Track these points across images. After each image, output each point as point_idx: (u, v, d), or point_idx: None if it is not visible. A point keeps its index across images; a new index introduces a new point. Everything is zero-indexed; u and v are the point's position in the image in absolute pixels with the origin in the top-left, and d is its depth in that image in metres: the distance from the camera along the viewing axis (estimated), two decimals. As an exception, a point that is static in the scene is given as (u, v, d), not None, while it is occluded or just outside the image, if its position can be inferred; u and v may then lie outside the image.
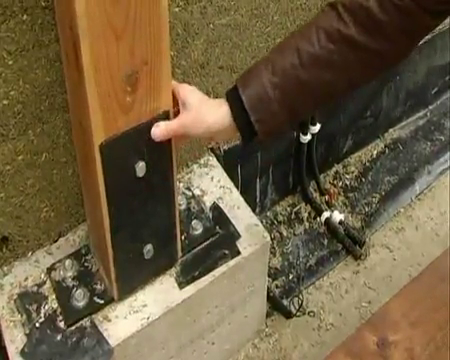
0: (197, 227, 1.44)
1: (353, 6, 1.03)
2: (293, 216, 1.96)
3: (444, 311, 1.46)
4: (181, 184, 1.52)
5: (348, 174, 2.07)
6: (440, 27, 1.61)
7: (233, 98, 1.07)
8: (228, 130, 1.09)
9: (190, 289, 1.38)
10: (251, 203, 1.70)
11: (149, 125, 1.11)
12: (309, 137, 1.83)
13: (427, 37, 1.97)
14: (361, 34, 1.02)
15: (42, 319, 1.29)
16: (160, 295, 1.36)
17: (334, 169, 2.08)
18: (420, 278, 1.58)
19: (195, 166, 1.57)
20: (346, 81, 1.08)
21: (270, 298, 1.75)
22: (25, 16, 1.07)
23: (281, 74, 1.05)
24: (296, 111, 1.09)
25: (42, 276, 1.35)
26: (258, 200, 1.88)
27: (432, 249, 1.89)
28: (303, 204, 1.98)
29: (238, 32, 1.43)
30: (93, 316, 1.31)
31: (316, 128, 1.82)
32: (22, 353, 1.25)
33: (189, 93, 1.11)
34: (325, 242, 1.92)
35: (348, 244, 1.91)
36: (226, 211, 1.50)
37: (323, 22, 1.05)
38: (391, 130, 2.20)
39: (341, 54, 1.04)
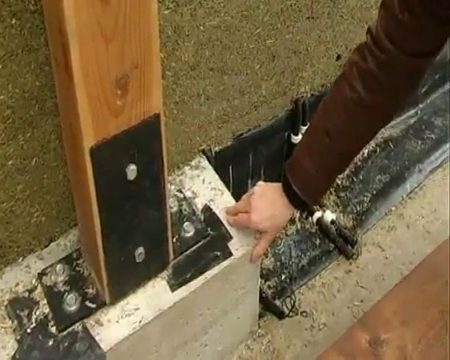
0: (189, 229, 1.44)
1: (359, 72, 1.19)
2: (285, 216, 1.96)
3: (435, 309, 1.46)
4: (172, 186, 1.51)
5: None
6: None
7: (287, 189, 1.35)
8: (290, 214, 1.40)
9: (182, 291, 1.38)
10: (243, 204, 1.70)
11: (140, 128, 1.11)
12: (300, 137, 1.83)
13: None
14: (369, 95, 1.19)
15: (33, 325, 1.28)
16: (152, 298, 1.35)
17: (325, 169, 2.08)
18: (411, 276, 1.59)
19: (186, 168, 1.57)
20: (370, 135, 1.31)
21: (262, 299, 1.75)
22: (14, 20, 1.06)
23: (318, 155, 1.29)
24: (335, 176, 1.38)
25: (33, 281, 1.34)
26: (250, 201, 1.88)
27: (423, 247, 1.89)
28: (295, 204, 1.98)
29: (228, 34, 1.42)
30: (85, 320, 1.30)
31: (307, 128, 1.82)
32: (13, 359, 1.24)
33: (259, 224, 1.40)
34: (317, 242, 1.93)
35: (340, 244, 1.92)
36: (218, 213, 1.50)
37: (339, 96, 1.24)
38: (382, 129, 2.20)
39: (360, 120, 1.23)
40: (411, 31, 1.09)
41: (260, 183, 1.46)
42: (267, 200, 1.40)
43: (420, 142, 2.21)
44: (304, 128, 1.81)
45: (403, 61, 1.13)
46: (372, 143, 2.17)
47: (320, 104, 1.30)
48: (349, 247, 1.92)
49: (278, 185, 1.39)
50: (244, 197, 1.46)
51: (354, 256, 1.91)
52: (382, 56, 1.14)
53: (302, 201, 1.33)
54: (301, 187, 1.32)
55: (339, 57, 1.79)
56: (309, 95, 1.78)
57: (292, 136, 1.83)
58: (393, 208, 2.05)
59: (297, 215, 1.95)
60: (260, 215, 1.38)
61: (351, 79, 1.20)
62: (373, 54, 1.15)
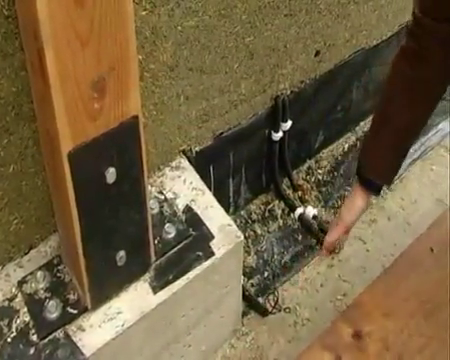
0: (170, 230, 1.43)
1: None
2: (267, 214, 1.95)
3: (415, 299, 1.48)
4: (153, 188, 1.50)
5: (321, 169, 2.08)
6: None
7: (363, 179, 1.39)
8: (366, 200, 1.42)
9: (164, 293, 1.37)
10: (224, 203, 1.70)
11: (118, 130, 1.10)
12: (281, 134, 1.83)
13: (395, 30, 2.01)
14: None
15: (14, 334, 1.26)
16: (134, 301, 1.35)
17: (307, 165, 2.08)
18: (391, 268, 1.60)
19: (167, 169, 1.56)
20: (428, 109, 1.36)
21: (246, 297, 1.75)
22: (-13, 26, 1.05)
23: (387, 140, 1.35)
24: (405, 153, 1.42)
25: (13, 290, 1.32)
26: (231, 200, 1.88)
27: (404, 238, 1.90)
28: (276, 201, 1.98)
29: (206, 33, 1.42)
30: (67, 327, 1.29)
31: (287, 125, 1.82)
32: (-6, 369, 1.23)
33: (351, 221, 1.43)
34: (299, 238, 1.93)
35: (322, 238, 1.91)
36: (199, 213, 1.49)
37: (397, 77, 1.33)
38: (362, 123, 2.20)
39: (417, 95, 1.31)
40: None
41: None
42: (346, 204, 1.47)
43: (400, 134, 2.22)
44: (284, 125, 1.82)
45: (433, 29, 1.21)
46: (353, 137, 2.18)
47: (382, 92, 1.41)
48: (331, 241, 1.92)
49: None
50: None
51: (336, 250, 1.91)
52: (417, 28, 1.24)
53: (378, 186, 1.41)
54: (376, 174, 1.39)
55: (318, 53, 1.78)
56: (289, 92, 1.78)
57: (272, 133, 1.82)
58: (374, 201, 2.05)
59: (279, 212, 1.96)
60: (349, 218, 1.44)
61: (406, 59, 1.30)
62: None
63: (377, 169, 1.39)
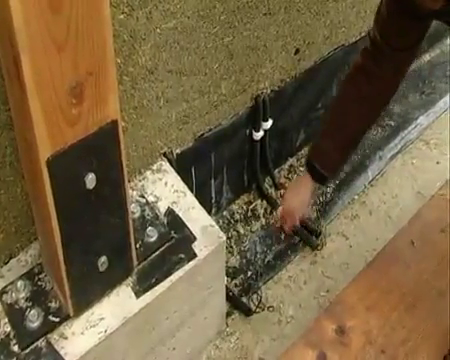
0: (152, 234, 1.43)
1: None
2: (249, 213, 1.95)
3: (397, 292, 1.51)
4: (134, 192, 1.49)
5: (302, 167, 2.07)
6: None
7: (310, 167, 1.54)
8: (312, 188, 1.57)
9: (147, 297, 1.37)
10: (207, 204, 1.70)
11: (97, 136, 1.09)
12: (261, 133, 1.83)
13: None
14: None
15: (-6, 345, 1.25)
16: (117, 306, 1.34)
17: (288, 163, 2.08)
18: (373, 263, 1.63)
19: (148, 172, 1.55)
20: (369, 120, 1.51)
21: (229, 297, 1.75)
22: (-39, 34, 1.02)
23: (333, 137, 1.48)
24: (348, 153, 1.56)
25: (-7, 301, 1.31)
26: (214, 201, 1.87)
27: (386, 232, 1.91)
28: (259, 201, 1.98)
29: (185, 35, 1.41)
30: (49, 335, 1.28)
31: (268, 124, 1.82)
32: (-26, 382, 1.22)
33: (290, 203, 1.60)
34: (282, 236, 1.93)
35: (305, 236, 1.92)
36: (181, 215, 1.49)
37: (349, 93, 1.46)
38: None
39: (361, 109, 1.45)
40: (392, 28, 1.30)
41: None
42: (292, 185, 1.72)
43: (380, 129, 2.24)
44: (265, 124, 1.81)
45: (389, 54, 1.34)
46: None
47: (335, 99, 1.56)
48: (314, 238, 1.93)
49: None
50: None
51: (319, 247, 1.92)
52: (374, 50, 1.36)
53: (322, 175, 1.53)
54: (321, 163, 1.53)
55: (297, 51, 1.78)
56: (269, 91, 1.77)
57: (253, 132, 1.82)
58: (356, 196, 2.06)
59: (261, 211, 1.95)
60: (289, 198, 1.61)
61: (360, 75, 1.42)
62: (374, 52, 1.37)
63: (327, 164, 1.53)
